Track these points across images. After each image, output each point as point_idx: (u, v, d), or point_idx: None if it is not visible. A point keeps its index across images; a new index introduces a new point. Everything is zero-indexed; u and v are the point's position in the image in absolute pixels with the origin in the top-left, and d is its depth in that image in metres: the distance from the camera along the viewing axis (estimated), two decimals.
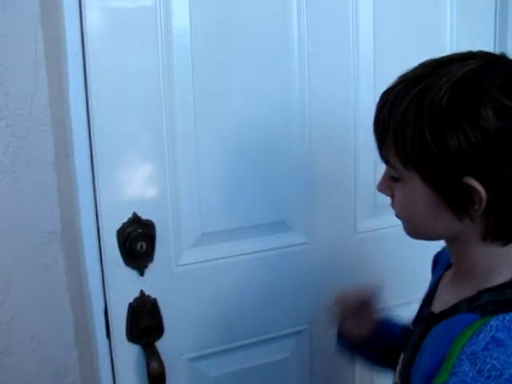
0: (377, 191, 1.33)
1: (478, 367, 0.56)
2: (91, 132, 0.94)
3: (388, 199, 0.73)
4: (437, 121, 0.59)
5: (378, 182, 0.73)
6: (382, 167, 0.71)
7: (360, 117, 1.18)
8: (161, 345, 1.06)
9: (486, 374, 0.55)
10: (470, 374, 0.56)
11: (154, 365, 1.03)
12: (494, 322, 0.58)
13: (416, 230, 0.71)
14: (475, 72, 0.60)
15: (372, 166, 1.20)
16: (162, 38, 0.98)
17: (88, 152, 0.95)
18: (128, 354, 1.05)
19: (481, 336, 0.58)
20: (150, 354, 1.04)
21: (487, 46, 1.33)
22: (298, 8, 1.08)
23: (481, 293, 0.64)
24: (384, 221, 1.28)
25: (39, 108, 0.84)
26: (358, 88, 1.18)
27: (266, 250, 1.15)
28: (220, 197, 1.09)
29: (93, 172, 0.96)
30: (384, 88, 0.66)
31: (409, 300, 1.38)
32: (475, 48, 0.64)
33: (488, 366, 0.55)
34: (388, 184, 0.71)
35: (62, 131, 0.89)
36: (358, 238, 1.25)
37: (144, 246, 1.01)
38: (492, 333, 0.58)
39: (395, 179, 0.68)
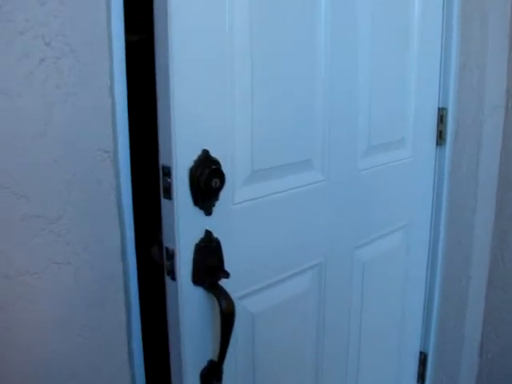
0: (371, 134, 1.48)
1: None
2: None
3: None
4: None
5: None
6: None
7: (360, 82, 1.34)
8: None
9: None
10: None
11: (225, 302, 1.03)
12: None
13: None
14: None
15: (367, 119, 1.37)
16: None
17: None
18: (192, 295, 1.04)
19: None
20: (219, 293, 1.04)
21: None
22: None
23: None
24: (377, 159, 1.44)
25: (101, 36, 0.89)
26: (359, 63, 1.32)
27: (296, 188, 1.22)
28: (267, 137, 1.13)
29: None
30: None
31: (401, 225, 1.58)
32: None
33: None
34: None
35: None
36: (360, 174, 1.38)
37: (218, 182, 1.00)
38: None
39: None
